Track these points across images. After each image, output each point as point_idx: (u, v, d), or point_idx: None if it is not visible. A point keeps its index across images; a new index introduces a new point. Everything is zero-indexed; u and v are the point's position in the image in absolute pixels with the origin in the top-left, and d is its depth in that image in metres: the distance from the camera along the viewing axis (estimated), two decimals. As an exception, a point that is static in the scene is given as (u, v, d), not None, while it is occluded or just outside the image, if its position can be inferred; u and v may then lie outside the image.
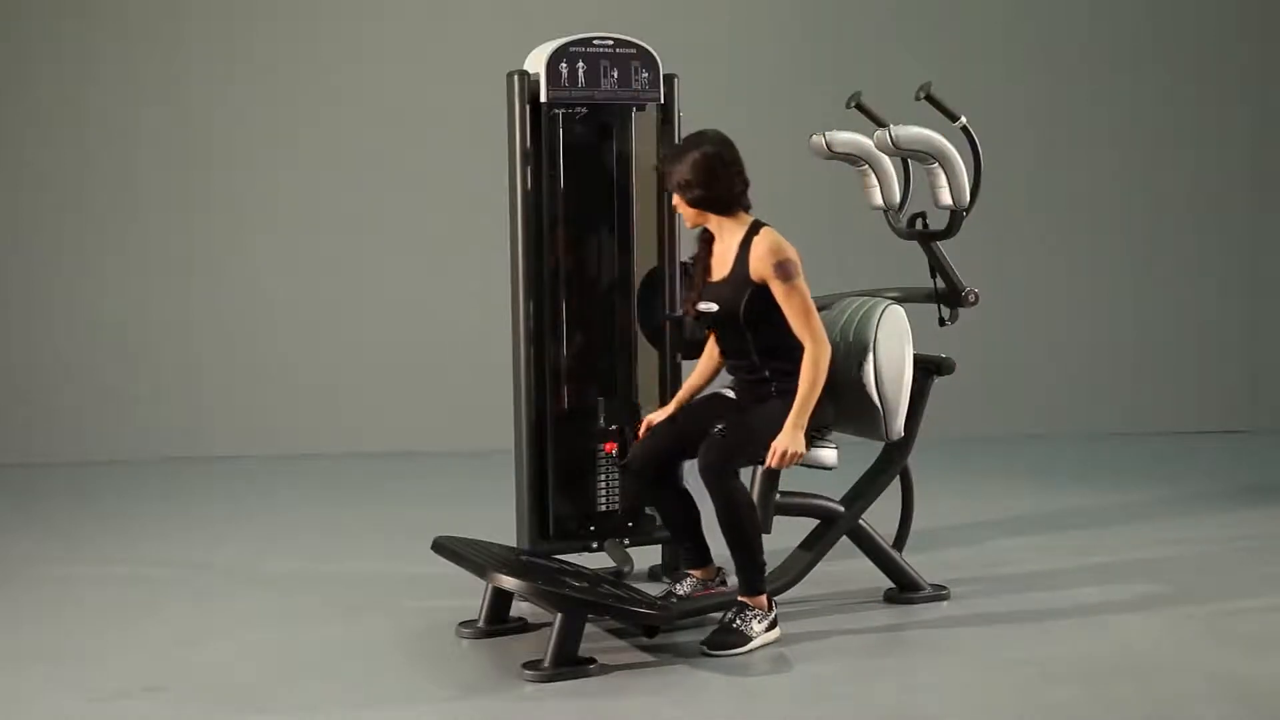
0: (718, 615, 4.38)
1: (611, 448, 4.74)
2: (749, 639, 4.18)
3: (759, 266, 4.21)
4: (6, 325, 7.66)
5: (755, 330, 4.26)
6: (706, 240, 4.40)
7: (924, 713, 3.77)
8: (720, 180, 4.26)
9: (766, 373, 4.30)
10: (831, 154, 4.87)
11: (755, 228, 4.29)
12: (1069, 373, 8.40)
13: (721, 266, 4.33)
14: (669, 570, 4.93)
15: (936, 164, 4.66)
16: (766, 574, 4.31)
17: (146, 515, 6.25)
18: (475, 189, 7.09)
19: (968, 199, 4.70)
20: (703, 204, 4.29)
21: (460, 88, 7.57)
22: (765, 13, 8.14)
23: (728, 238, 4.32)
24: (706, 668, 4.05)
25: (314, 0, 7.82)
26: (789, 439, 4.17)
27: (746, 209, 4.33)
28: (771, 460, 4.18)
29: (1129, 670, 4.01)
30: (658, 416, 4.50)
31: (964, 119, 4.70)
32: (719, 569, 4.52)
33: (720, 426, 4.27)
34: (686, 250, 4.94)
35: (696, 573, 4.51)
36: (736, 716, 3.73)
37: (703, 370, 4.57)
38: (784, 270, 4.18)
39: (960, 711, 3.75)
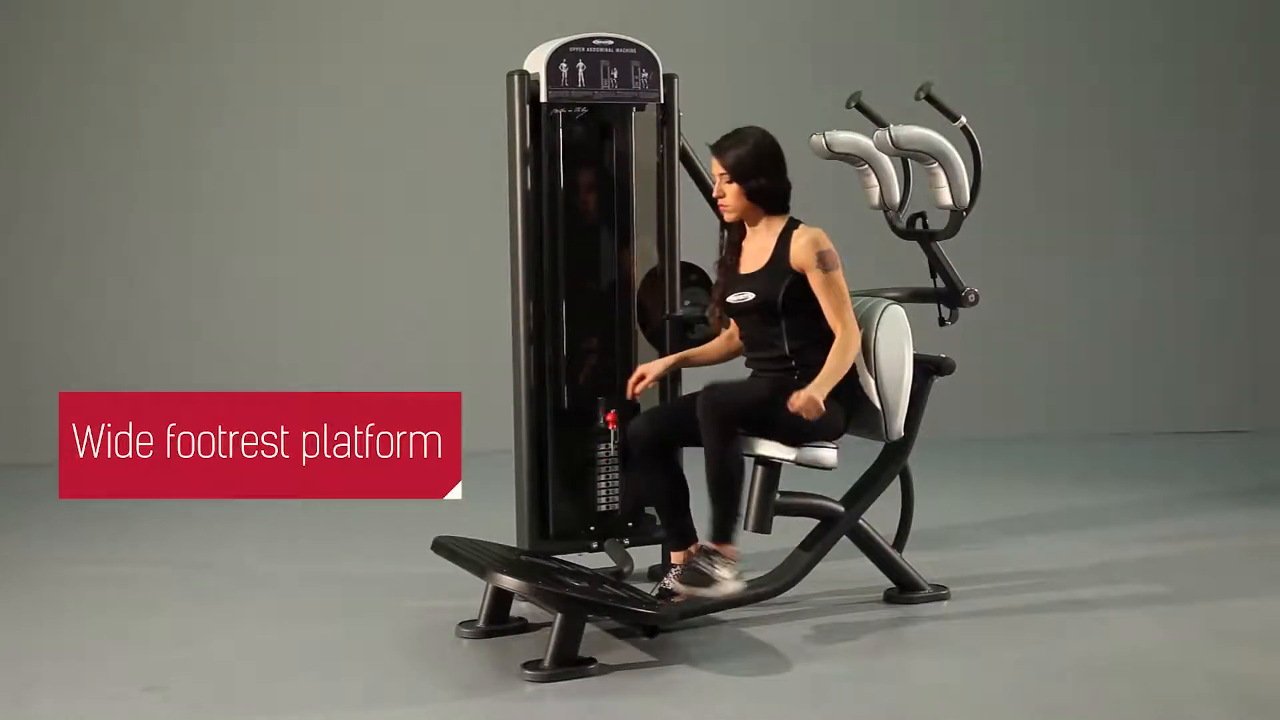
0: (718, 615, 4.39)
1: (612, 419, 4.77)
2: (716, 582, 4.17)
3: (801, 256, 4.25)
4: (6, 324, 7.66)
5: (790, 320, 4.27)
6: (736, 237, 4.42)
7: (924, 713, 3.77)
8: (780, 173, 4.32)
9: (793, 363, 4.32)
10: (831, 154, 4.87)
11: (794, 223, 4.34)
12: (1069, 373, 8.40)
13: (753, 261, 4.36)
14: (669, 570, 4.92)
15: (936, 164, 4.66)
16: (765, 574, 4.31)
17: (146, 515, 6.24)
18: (475, 189, 7.09)
19: (968, 199, 4.70)
20: (759, 195, 4.31)
21: (460, 88, 7.57)
22: (765, 13, 8.14)
23: (762, 234, 4.35)
24: (706, 668, 4.05)
25: (314, 0, 7.82)
26: (808, 396, 4.15)
27: (787, 210, 4.36)
28: (793, 404, 4.15)
29: (1129, 670, 4.01)
30: (653, 369, 4.50)
31: (964, 119, 4.70)
32: (702, 547, 4.43)
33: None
34: (686, 250, 4.96)
35: (679, 557, 4.44)
36: (736, 716, 3.73)
37: (712, 349, 4.59)
38: (825, 260, 4.23)
39: (960, 711, 3.75)
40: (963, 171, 4.67)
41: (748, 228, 4.40)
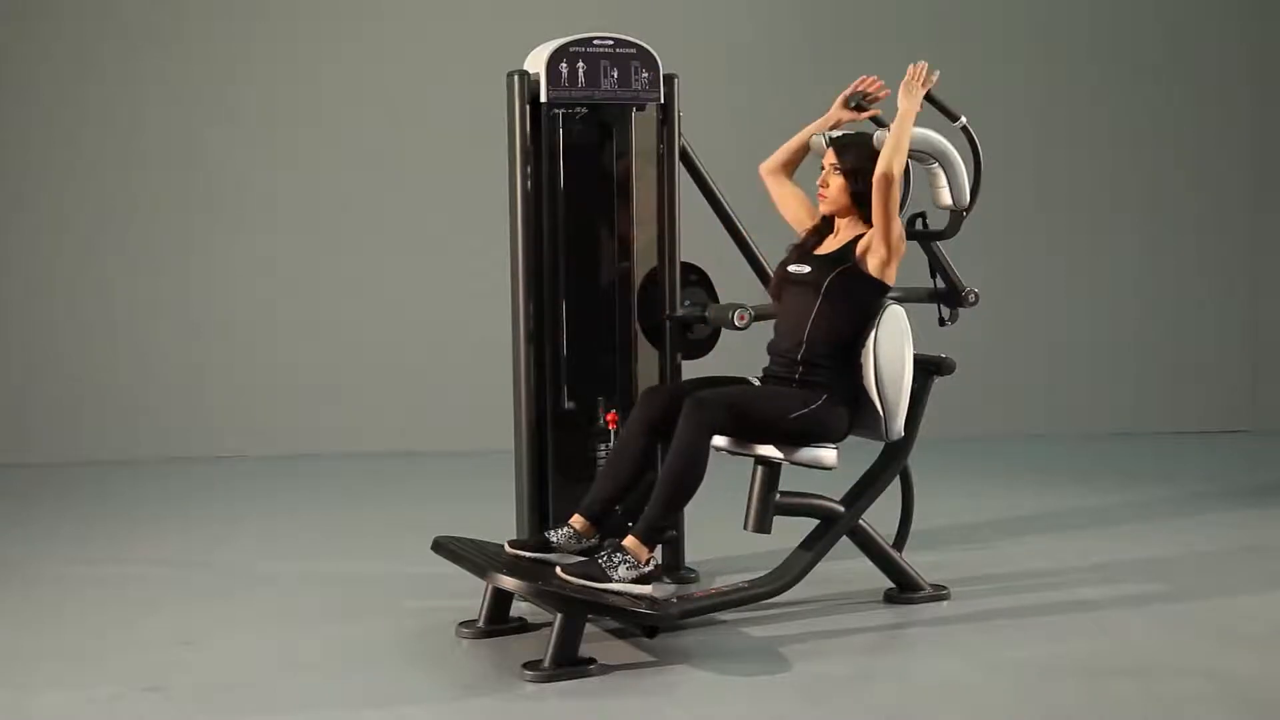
0: (718, 615, 4.39)
1: (612, 419, 4.77)
2: (607, 579, 4.02)
3: (865, 242, 4.35)
4: (6, 325, 7.66)
5: (825, 307, 4.32)
6: (822, 228, 4.53)
7: (924, 713, 3.77)
8: None
9: (800, 367, 4.35)
10: (832, 154, 4.87)
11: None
12: (1069, 373, 8.40)
13: (825, 248, 4.47)
14: (669, 570, 4.93)
15: (936, 164, 4.66)
16: (765, 574, 4.30)
17: (146, 515, 6.24)
18: (475, 189, 7.09)
19: (968, 199, 4.70)
20: (861, 199, 4.41)
21: (460, 88, 7.58)
22: (765, 13, 8.14)
23: (845, 232, 4.47)
24: (706, 668, 4.05)
25: (314, 0, 7.82)
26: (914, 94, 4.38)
27: None
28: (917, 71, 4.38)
29: (1129, 670, 4.01)
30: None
31: (964, 119, 4.70)
32: (615, 542, 4.18)
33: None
34: (687, 250, 4.95)
35: (580, 524, 4.26)
36: (736, 717, 3.73)
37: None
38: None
39: (960, 711, 3.75)
40: (963, 171, 4.67)
41: (836, 223, 4.50)
